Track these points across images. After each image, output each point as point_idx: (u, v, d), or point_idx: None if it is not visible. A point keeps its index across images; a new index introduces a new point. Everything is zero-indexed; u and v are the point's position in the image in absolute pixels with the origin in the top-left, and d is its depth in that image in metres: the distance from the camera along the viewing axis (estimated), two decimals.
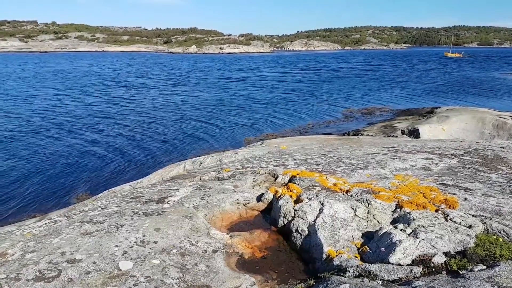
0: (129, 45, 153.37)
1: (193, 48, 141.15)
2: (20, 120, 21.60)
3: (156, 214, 3.84)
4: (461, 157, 6.03)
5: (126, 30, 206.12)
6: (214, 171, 5.77)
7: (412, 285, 2.44)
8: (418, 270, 2.65)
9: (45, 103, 27.80)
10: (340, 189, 4.32)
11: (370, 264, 2.79)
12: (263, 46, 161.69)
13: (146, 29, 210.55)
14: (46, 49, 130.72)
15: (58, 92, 33.51)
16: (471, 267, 2.60)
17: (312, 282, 2.80)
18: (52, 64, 71.77)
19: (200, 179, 5.43)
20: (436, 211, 3.58)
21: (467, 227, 3.19)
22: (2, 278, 2.65)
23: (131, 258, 2.96)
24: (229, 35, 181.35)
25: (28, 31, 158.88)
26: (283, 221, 3.85)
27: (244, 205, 4.36)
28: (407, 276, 2.61)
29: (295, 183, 4.66)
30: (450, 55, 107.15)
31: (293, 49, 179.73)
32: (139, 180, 7.36)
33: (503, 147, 7.05)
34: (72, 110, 24.92)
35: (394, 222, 3.53)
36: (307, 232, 3.53)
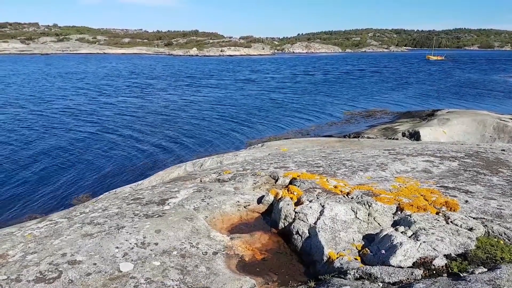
0: (130, 47, 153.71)
1: (194, 51, 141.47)
2: (20, 121, 21.63)
3: (157, 215, 3.84)
4: (462, 159, 6.03)
5: (127, 32, 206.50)
6: (214, 173, 5.77)
7: None
8: (419, 272, 2.65)
9: (47, 105, 27.86)
10: (341, 191, 4.32)
11: (371, 267, 2.78)
12: (263, 49, 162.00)
13: (147, 32, 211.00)
14: (47, 51, 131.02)
15: (61, 94, 33.57)
16: (472, 269, 2.60)
17: (312, 284, 2.80)
18: (60, 66, 72.05)
19: (201, 181, 5.44)
20: (437, 213, 3.57)
21: (468, 230, 3.19)
22: (3, 279, 2.66)
23: (132, 260, 2.96)
24: (230, 37, 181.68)
25: (30, 33, 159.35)
26: (284, 223, 3.85)
27: (244, 207, 4.36)
28: (407, 279, 2.60)
29: (295, 185, 4.66)
30: (431, 58, 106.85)
31: (293, 52, 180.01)
32: (139, 182, 7.36)
33: (504, 150, 7.04)
34: (72, 113, 24.96)
35: (395, 224, 3.53)
36: (307, 234, 3.53)
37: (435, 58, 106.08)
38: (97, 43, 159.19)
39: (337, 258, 3.05)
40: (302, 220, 3.70)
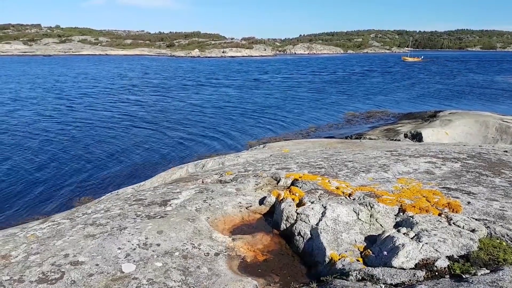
0: (132, 48, 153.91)
1: (195, 52, 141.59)
2: (22, 122, 21.69)
3: (159, 216, 3.84)
4: (464, 161, 6.01)
5: (129, 33, 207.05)
6: (216, 174, 5.78)
7: None
8: (421, 274, 2.65)
9: (50, 105, 27.93)
10: (343, 192, 4.31)
11: (373, 268, 2.78)
12: (265, 50, 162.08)
13: (149, 33, 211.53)
14: (49, 52, 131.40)
15: (65, 95, 33.68)
16: (474, 271, 2.59)
17: (314, 285, 2.80)
18: (73, 67, 72.40)
19: (203, 182, 5.44)
20: (439, 215, 3.56)
21: (470, 231, 3.18)
22: (6, 280, 2.66)
23: (134, 261, 2.97)
24: (232, 38, 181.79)
25: (32, 34, 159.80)
26: (286, 224, 3.85)
27: (246, 208, 4.36)
28: (410, 280, 2.60)
29: (297, 186, 4.66)
30: (408, 59, 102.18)
31: (295, 53, 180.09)
32: (141, 183, 7.37)
33: (506, 151, 7.02)
34: (73, 114, 25.02)
35: (397, 225, 3.52)
36: (309, 235, 3.53)
37: (411, 59, 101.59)
38: (99, 44, 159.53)
39: (339, 259, 3.04)
40: (304, 222, 3.70)
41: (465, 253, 2.87)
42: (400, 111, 25.93)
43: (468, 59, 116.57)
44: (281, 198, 4.25)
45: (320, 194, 4.27)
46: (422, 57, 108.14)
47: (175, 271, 2.88)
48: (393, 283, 2.60)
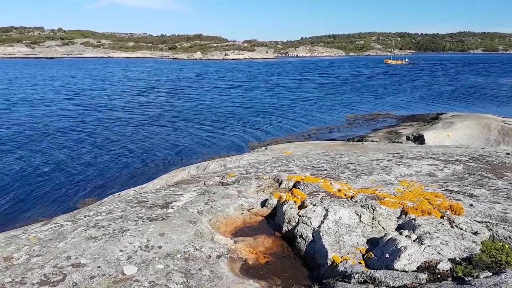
0: (134, 51, 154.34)
1: (197, 55, 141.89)
2: (23, 124, 21.76)
3: (161, 219, 3.85)
4: (466, 163, 6.00)
5: (131, 36, 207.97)
6: (218, 176, 5.78)
7: None
8: (423, 276, 2.64)
9: (60, 107, 28.02)
10: (345, 194, 4.31)
11: (375, 271, 2.77)
12: (267, 52, 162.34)
13: (152, 36, 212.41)
14: (52, 55, 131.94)
15: (74, 96, 33.81)
16: (477, 274, 2.58)
17: None
18: (84, 69, 72.71)
19: (204, 184, 5.44)
20: (442, 217, 3.55)
21: (473, 234, 3.17)
22: (8, 282, 2.67)
23: (136, 263, 2.97)
24: (234, 41, 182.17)
25: (35, 37, 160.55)
26: (287, 227, 3.84)
27: (248, 210, 4.36)
28: (412, 283, 2.59)
29: (299, 188, 4.65)
30: (390, 62, 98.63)
31: (297, 55, 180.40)
32: (143, 185, 7.39)
33: (509, 153, 7.00)
34: (76, 115, 25.10)
35: (399, 228, 3.51)
36: (311, 238, 3.52)
37: (394, 62, 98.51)
38: (101, 47, 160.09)
39: (341, 262, 3.04)
40: (306, 224, 3.69)
41: (468, 255, 2.85)
42: (402, 113, 25.91)
43: (454, 62, 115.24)
44: (283, 201, 4.24)
45: (322, 196, 4.26)
46: (407, 59, 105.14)
47: (177, 273, 2.88)
48: (396, 286, 2.59)
